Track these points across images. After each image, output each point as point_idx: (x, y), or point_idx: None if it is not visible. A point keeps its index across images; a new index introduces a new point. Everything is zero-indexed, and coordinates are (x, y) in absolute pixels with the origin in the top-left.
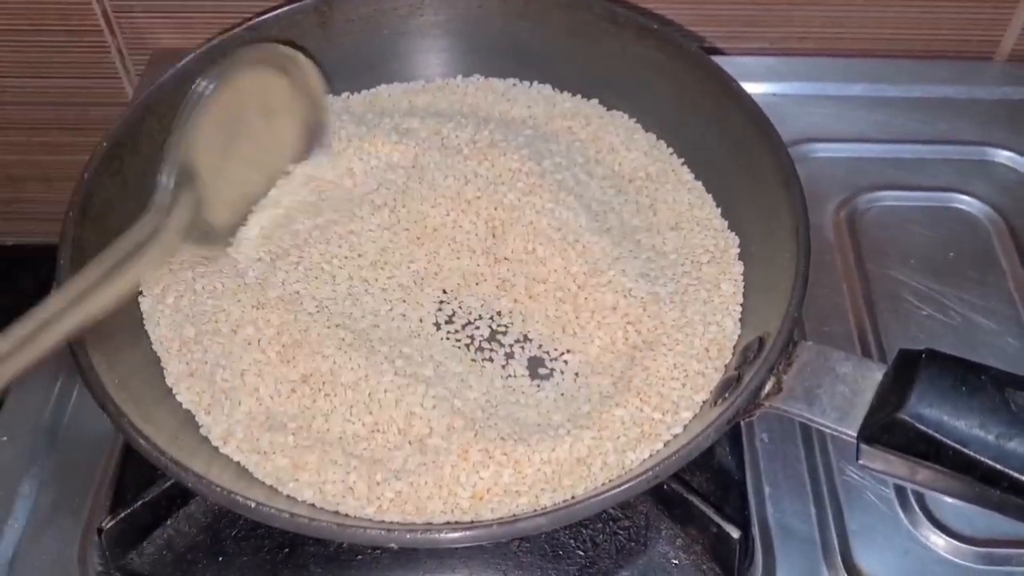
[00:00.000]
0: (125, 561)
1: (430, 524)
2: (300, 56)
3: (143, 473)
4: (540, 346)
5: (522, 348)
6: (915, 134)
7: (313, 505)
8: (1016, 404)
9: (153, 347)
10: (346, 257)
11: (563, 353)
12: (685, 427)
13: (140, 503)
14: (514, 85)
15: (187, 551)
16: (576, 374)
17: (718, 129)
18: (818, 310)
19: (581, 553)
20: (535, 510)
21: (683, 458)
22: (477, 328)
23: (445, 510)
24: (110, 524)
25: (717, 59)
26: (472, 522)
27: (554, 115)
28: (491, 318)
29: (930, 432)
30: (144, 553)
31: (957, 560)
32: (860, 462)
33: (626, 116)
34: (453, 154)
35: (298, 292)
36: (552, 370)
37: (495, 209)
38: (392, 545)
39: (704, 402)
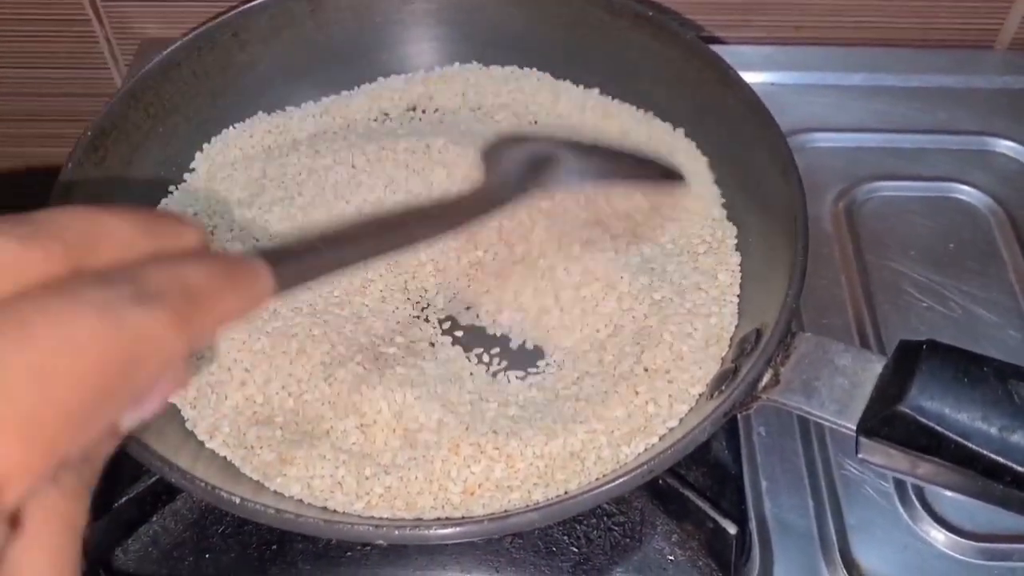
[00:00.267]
0: (110, 558)
1: (419, 520)
2: None
3: (128, 469)
4: (533, 339)
5: (512, 341)
6: (915, 124)
7: (301, 501)
8: (1019, 396)
9: None
10: None
11: (556, 346)
12: (681, 420)
13: (125, 499)
14: (511, 73)
15: (173, 548)
16: (569, 367)
17: (716, 119)
18: (816, 301)
19: (575, 549)
20: (527, 505)
21: (679, 452)
22: (466, 322)
23: (436, 505)
24: (94, 520)
25: (715, 48)
26: (462, 518)
27: (558, 105)
28: (480, 313)
29: (931, 425)
30: (129, 550)
31: (957, 555)
32: (860, 456)
33: (628, 104)
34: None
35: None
36: (545, 363)
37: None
38: (380, 542)
39: (700, 395)
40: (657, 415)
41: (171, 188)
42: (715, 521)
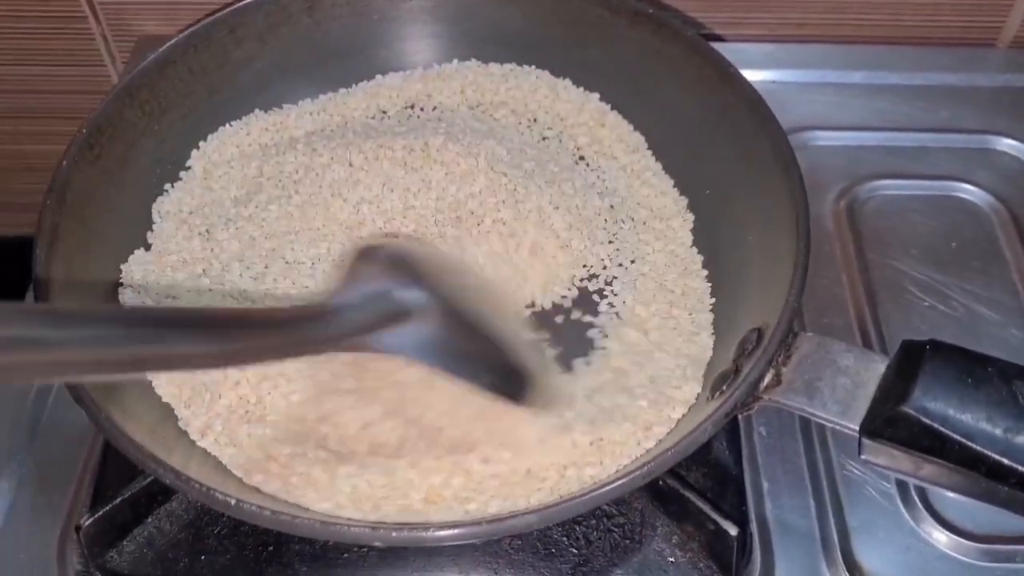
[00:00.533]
0: (105, 560)
1: (419, 522)
2: None
3: (123, 470)
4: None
5: None
6: (916, 122)
7: (275, 497)
8: None
9: None
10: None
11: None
12: (681, 421)
13: (120, 500)
14: (510, 70)
15: (168, 549)
16: (567, 367)
17: (717, 117)
18: (818, 301)
19: (574, 551)
20: (526, 507)
21: (679, 453)
22: None
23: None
24: (89, 522)
25: (716, 46)
26: (461, 520)
27: (557, 103)
28: None
29: (935, 426)
30: (124, 551)
31: (959, 556)
32: (862, 457)
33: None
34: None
35: (278, 287)
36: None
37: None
38: (378, 543)
39: (699, 394)
40: (656, 416)
41: (167, 186)
42: (716, 522)
